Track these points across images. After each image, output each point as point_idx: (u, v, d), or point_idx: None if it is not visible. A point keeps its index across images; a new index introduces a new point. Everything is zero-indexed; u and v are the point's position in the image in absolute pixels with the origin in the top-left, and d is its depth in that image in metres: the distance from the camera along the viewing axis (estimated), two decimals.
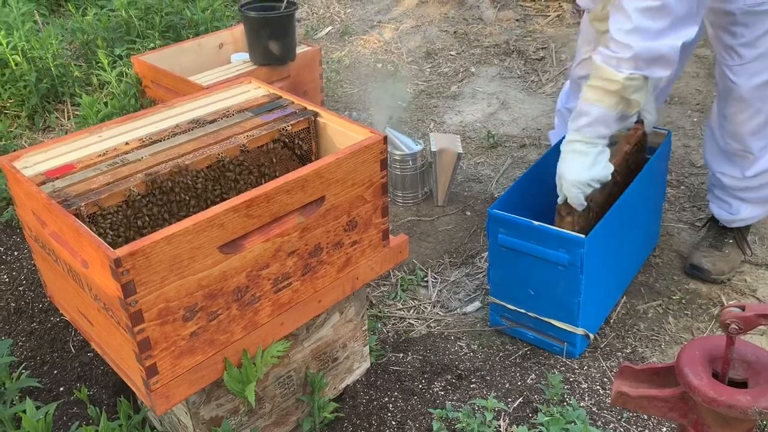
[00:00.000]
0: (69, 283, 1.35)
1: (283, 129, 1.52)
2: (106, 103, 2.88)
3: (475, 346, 1.92)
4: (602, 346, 1.89)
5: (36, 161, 1.38)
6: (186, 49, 2.81)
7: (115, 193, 1.28)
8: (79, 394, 1.71)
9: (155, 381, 1.20)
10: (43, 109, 3.26)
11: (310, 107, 1.59)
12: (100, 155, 1.39)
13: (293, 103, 1.62)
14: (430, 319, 2.04)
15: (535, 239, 1.73)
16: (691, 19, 1.61)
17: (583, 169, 1.74)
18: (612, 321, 1.98)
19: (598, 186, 1.78)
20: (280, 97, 1.65)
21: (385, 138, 1.44)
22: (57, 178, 1.31)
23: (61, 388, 1.79)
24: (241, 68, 2.73)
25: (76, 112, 3.27)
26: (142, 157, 1.38)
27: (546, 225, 1.71)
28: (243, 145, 1.46)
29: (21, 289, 2.03)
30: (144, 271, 1.12)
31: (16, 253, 2.16)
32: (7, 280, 2.07)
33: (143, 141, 1.44)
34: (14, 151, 3.03)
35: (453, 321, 2.03)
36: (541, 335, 1.87)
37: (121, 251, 1.08)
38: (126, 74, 2.89)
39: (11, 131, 3.14)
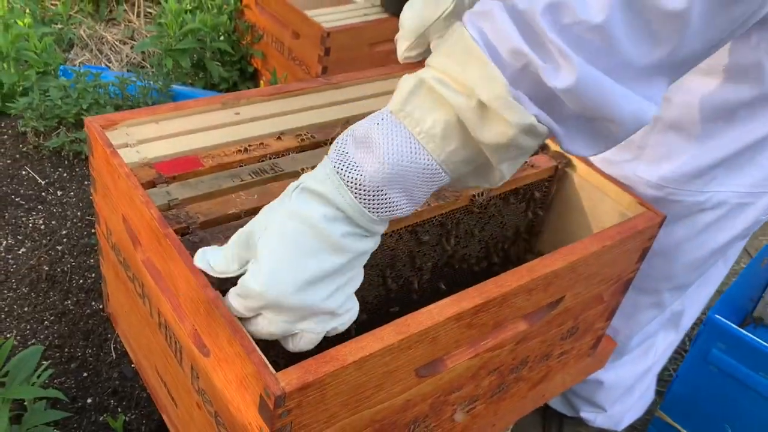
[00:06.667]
0: (154, 336, 0.88)
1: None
2: (192, 12, 2.36)
3: None
4: None
5: (141, 136, 0.89)
6: None
7: None
8: (114, 423, 1.28)
9: None
10: None
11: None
12: (239, 148, 0.90)
13: None
14: None
15: None
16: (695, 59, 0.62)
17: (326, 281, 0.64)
18: None
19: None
20: None
21: (664, 218, 0.94)
22: (173, 179, 0.83)
23: (89, 400, 1.36)
24: (369, 13, 2.19)
25: (149, 11, 2.75)
26: (302, 168, 0.89)
27: None
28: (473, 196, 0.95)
29: (59, 249, 1.56)
30: (311, 410, 0.65)
31: (59, 194, 1.68)
32: (42, 228, 1.60)
33: (303, 138, 0.95)
34: (69, 40, 2.54)
35: None
36: None
37: (290, 383, 0.61)
38: None
39: (72, 16, 2.62)
